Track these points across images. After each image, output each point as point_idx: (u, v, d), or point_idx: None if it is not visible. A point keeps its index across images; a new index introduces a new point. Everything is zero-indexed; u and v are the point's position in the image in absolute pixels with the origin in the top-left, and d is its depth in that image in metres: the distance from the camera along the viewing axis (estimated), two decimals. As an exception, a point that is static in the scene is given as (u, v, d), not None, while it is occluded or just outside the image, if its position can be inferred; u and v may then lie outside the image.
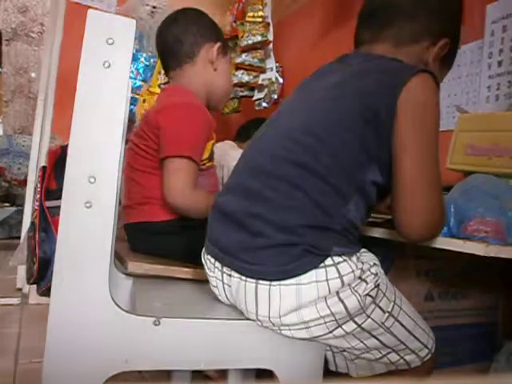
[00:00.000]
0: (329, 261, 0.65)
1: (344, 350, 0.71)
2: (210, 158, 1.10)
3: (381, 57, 0.77)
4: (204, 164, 1.07)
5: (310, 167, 0.67)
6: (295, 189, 0.66)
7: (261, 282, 0.66)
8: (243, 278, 0.68)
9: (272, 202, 0.67)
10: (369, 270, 0.68)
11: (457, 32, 0.83)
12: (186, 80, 1.14)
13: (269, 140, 0.75)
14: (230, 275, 0.71)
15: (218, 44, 1.14)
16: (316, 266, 0.64)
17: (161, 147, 1.01)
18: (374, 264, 0.69)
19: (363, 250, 0.71)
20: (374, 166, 0.69)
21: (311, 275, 0.64)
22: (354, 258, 0.68)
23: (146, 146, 1.04)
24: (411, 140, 0.67)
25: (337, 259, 0.65)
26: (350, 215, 0.68)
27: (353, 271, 0.66)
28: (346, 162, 0.68)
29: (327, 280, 0.64)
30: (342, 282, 0.65)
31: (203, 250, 0.79)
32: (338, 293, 0.65)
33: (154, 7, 2.32)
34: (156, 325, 0.63)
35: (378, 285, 0.68)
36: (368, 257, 0.71)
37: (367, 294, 0.66)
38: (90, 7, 2.29)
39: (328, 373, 0.74)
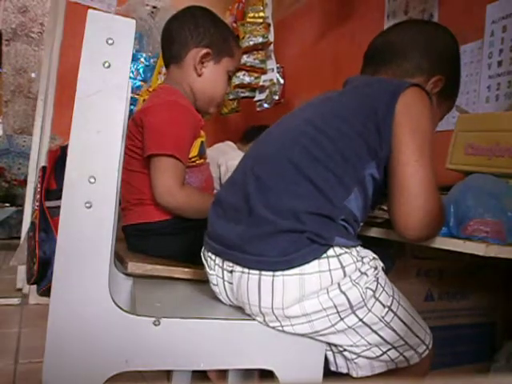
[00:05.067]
0: (331, 252, 0.66)
1: (345, 350, 0.72)
2: (201, 156, 1.09)
3: (379, 77, 0.88)
4: (194, 162, 1.07)
5: (316, 156, 0.70)
6: (301, 175, 0.69)
7: (264, 272, 0.66)
8: (246, 270, 0.68)
9: (277, 189, 0.69)
10: (368, 263, 0.69)
11: (452, 70, 0.91)
12: (173, 81, 1.14)
13: (276, 135, 0.80)
14: (230, 271, 0.71)
15: (205, 50, 1.11)
16: (319, 257, 0.66)
17: (145, 145, 1.00)
18: (374, 258, 0.71)
19: (359, 247, 0.72)
20: (373, 162, 0.72)
21: (314, 265, 0.65)
22: (355, 252, 0.69)
23: (132, 145, 1.04)
24: (408, 140, 0.71)
25: (338, 251, 0.67)
26: (351, 206, 0.70)
27: (354, 262, 0.67)
28: (348, 154, 0.71)
29: (330, 270, 0.66)
30: (344, 272, 0.66)
31: (203, 248, 0.79)
32: (339, 285, 0.66)
33: (154, 7, 2.32)
34: (156, 325, 0.63)
35: (378, 279, 0.69)
36: (367, 252, 0.72)
37: (368, 287, 0.67)
38: (89, 7, 2.30)
39: (328, 373, 0.74)
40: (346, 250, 0.68)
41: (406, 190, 0.69)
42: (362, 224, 0.77)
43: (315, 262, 0.65)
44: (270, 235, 0.67)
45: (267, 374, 0.71)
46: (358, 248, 0.71)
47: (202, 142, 1.09)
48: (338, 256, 0.66)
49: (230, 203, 0.74)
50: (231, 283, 0.72)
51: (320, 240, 0.66)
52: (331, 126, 0.74)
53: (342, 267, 0.66)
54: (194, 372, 1.09)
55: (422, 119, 0.73)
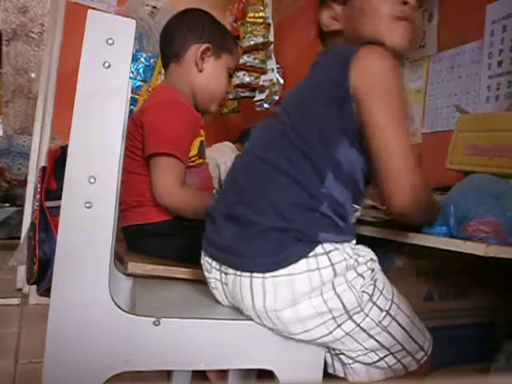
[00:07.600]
0: (319, 249, 0.65)
1: (341, 353, 0.71)
2: (200, 155, 1.09)
3: (334, 48, 0.86)
4: (193, 161, 1.07)
5: (285, 147, 0.70)
6: (276, 170, 0.69)
7: (254, 274, 0.66)
8: (238, 272, 0.68)
9: (259, 189, 0.70)
10: (365, 264, 0.68)
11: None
12: (173, 79, 1.14)
13: (256, 136, 0.81)
14: (226, 273, 0.71)
15: (205, 45, 1.12)
16: (306, 255, 0.64)
17: (145, 145, 1.01)
18: (371, 259, 0.69)
19: (360, 245, 0.71)
20: (345, 139, 0.69)
21: (302, 265, 0.64)
22: (349, 249, 0.68)
23: (132, 146, 1.04)
24: (372, 104, 0.67)
25: (328, 247, 0.65)
26: (332, 192, 0.67)
27: (345, 259, 0.66)
28: (317, 137, 0.68)
29: (319, 269, 0.64)
30: (334, 270, 0.65)
31: (202, 252, 0.79)
32: (334, 287, 0.65)
33: (154, 7, 2.32)
34: (156, 325, 0.63)
35: (375, 282, 0.68)
36: (365, 251, 0.70)
37: (364, 291, 0.66)
38: (89, 7, 2.29)
39: (327, 375, 0.74)
40: (337, 246, 0.66)
41: (387, 162, 0.65)
42: (356, 213, 0.75)
43: (303, 261, 0.64)
44: (256, 236, 0.66)
45: (267, 374, 0.71)
46: (358, 246, 0.69)
47: (201, 141, 1.09)
48: (327, 253, 0.65)
49: (218, 210, 0.75)
50: (227, 285, 0.72)
51: (305, 238, 0.64)
52: (296, 114, 0.72)
53: (332, 265, 0.65)
54: (194, 372, 1.09)
55: (387, 82, 0.68)
